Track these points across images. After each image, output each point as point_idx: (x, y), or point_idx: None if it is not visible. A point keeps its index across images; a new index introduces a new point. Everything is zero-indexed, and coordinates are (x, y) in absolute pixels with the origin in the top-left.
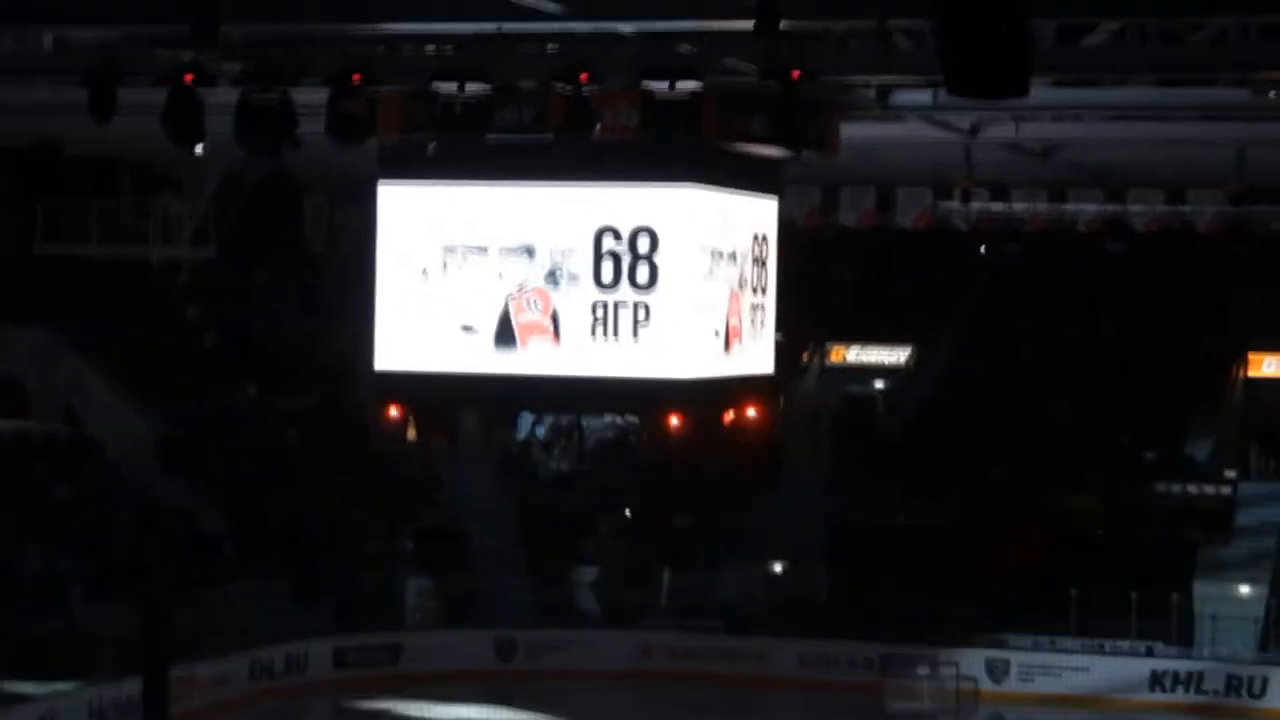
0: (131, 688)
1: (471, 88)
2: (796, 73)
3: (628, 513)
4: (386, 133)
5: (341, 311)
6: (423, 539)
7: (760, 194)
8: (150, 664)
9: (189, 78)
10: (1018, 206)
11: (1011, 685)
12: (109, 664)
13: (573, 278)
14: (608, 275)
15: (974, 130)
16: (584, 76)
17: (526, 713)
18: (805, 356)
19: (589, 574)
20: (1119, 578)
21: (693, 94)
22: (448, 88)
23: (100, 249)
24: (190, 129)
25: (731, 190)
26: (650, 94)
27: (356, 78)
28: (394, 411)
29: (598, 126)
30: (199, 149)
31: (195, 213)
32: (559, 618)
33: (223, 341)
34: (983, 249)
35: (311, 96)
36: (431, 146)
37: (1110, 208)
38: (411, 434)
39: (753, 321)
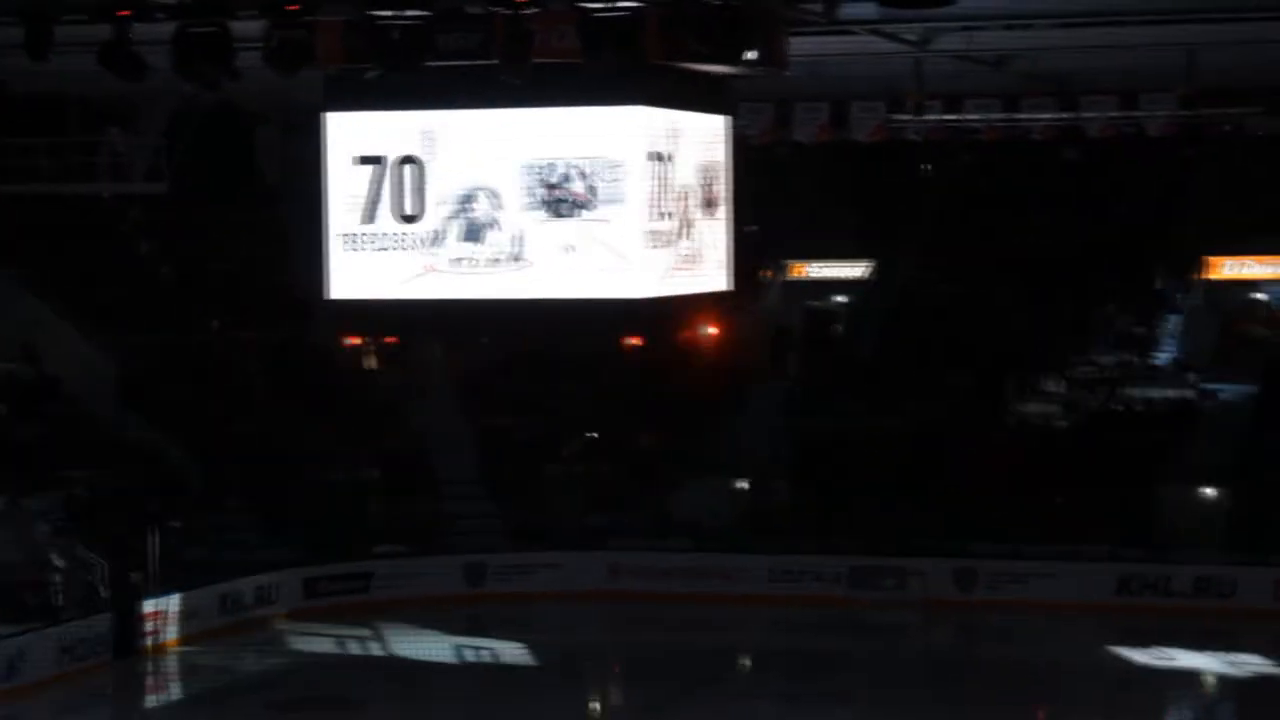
0: (100, 624)
1: (410, 13)
2: None
3: (594, 435)
4: (328, 62)
5: (297, 243)
6: (388, 466)
7: (709, 112)
8: (118, 600)
9: (125, 12)
10: (971, 117)
11: (979, 594)
12: (77, 602)
13: (522, 203)
14: (556, 198)
15: (924, 42)
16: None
17: None
18: (765, 274)
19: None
20: (1084, 484)
21: (631, 12)
22: (386, 14)
23: (51, 187)
24: (131, 64)
25: (679, 109)
26: (587, 14)
27: (293, 7)
28: (351, 341)
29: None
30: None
31: (146, 148)
32: (526, 541)
33: (180, 277)
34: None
35: (253, 28)
36: (372, 75)
37: (1064, 115)
38: (371, 363)
39: (708, 239)
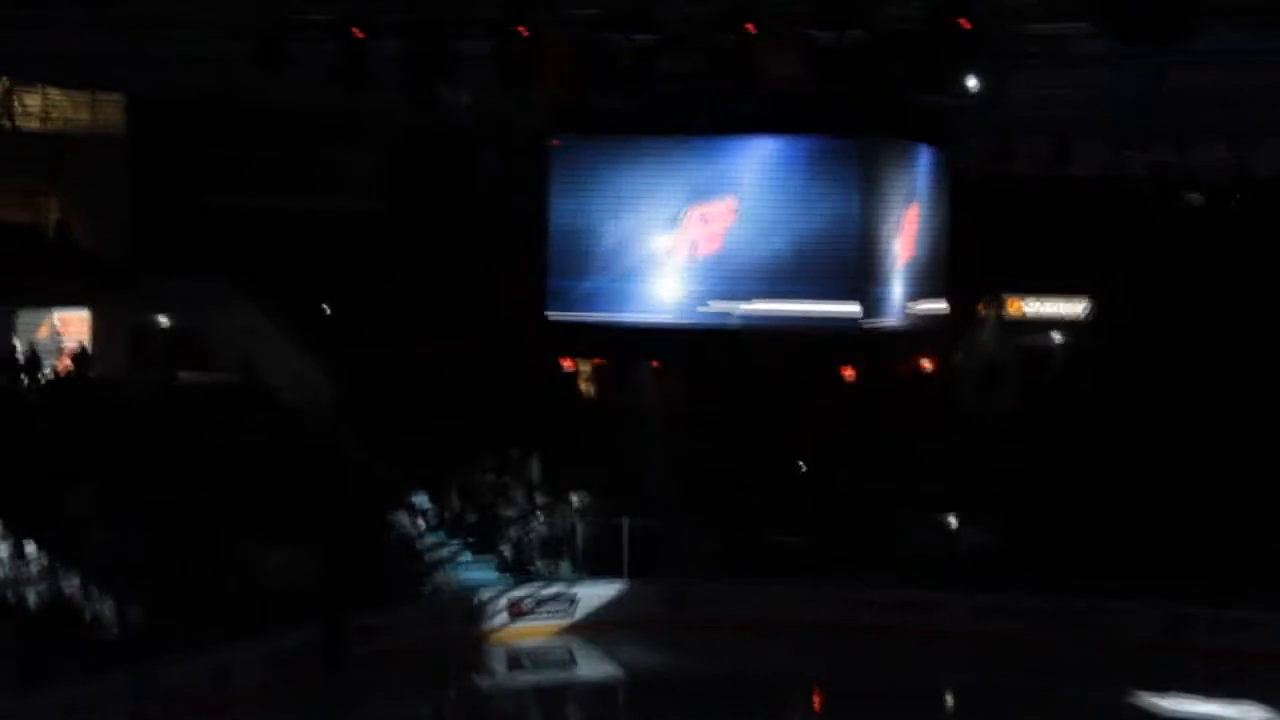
0: (310, 636)
1: (637, 36)
2: (965, 21)
3: (799, 464)
4: (554, 84)
5: (513, 263)
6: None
7: (932, 143)
8: (328, 612)
9: (357, 31)
10: (1198, 156)
11: (1191, 640)
12: (288, 613)
13: (741, 229)
14: (784, 222)
15: (1154, 77)
16: (749, 26)
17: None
18: (981, 308)
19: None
20: None
21: (860, 43)
22: (613, 36)
23: (272, 200)
24: (355, 80)
25: (901, 138)
26: (817, 43)
27: (523, 31)
28: (566, 364)
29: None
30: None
31: (366, 164)
32: (730, 569)
33: (396, 293)
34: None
35: (476, 48)
36: (599, 98)
37: None
38: (584, 386)
39: (926, 272)
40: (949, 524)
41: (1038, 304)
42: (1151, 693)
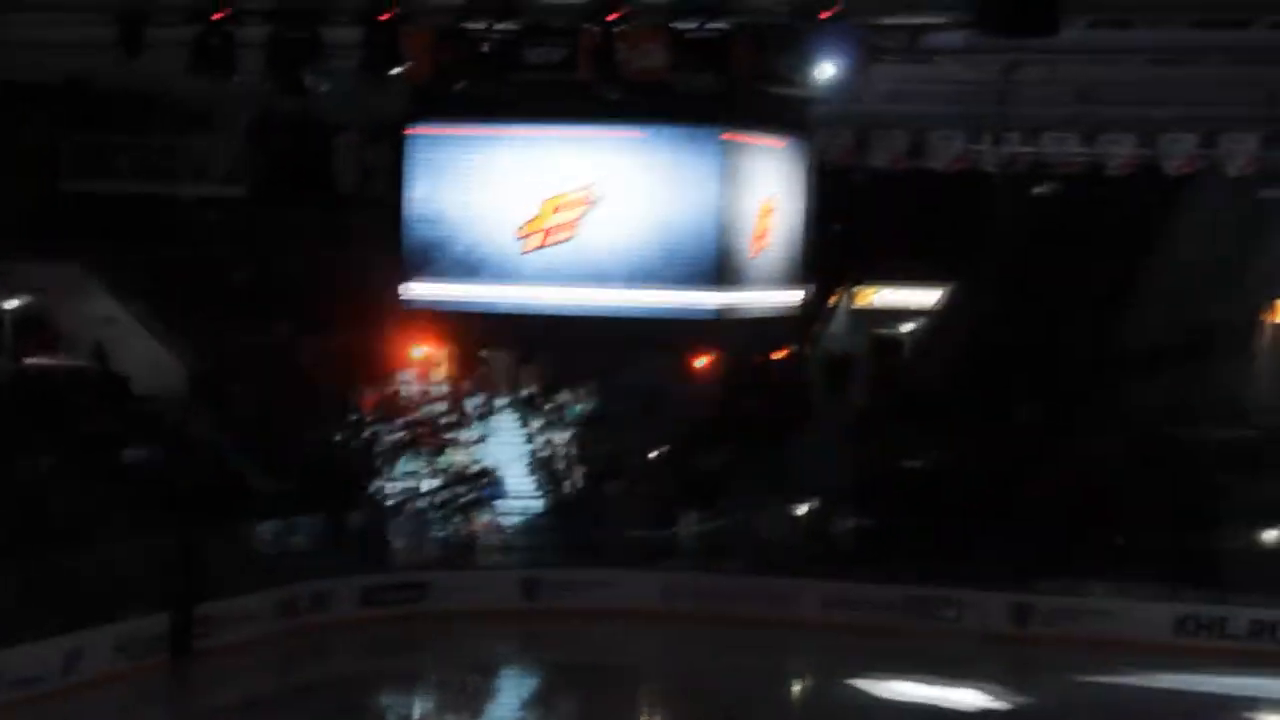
0: (158, 624)
1: (500, 26)
2: (826, 12)
3: (653, 455)
4: (417, 72)
5: (371, 250)
6: (450, 478)
7: (789, 136)
8: (176, 600)
9: (219, 15)
10: (1050, 149)
11: (1036, 629)
12: (136, 601)
13: (598, 218)
14: (636, 215)
15: (1008, 71)
16: (612, 15)
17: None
18: (832, 299)
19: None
20: (1145, 521)
21: (722, 33)
22: (476, 26)
23: (132, 186)
24: (220, 67)
25: (760, 130)
26: (679, 33)
27: (386, 16)
28: (423, 349)
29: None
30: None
31: (227, 150)
32: (584, 557)
33: (253, 279)
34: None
35: (340, 34)
36: (461, 86)
37: (1143, 150)
38: (441, 372)
39: (782, 262)
40: (803, 513)
41: (889, 294)
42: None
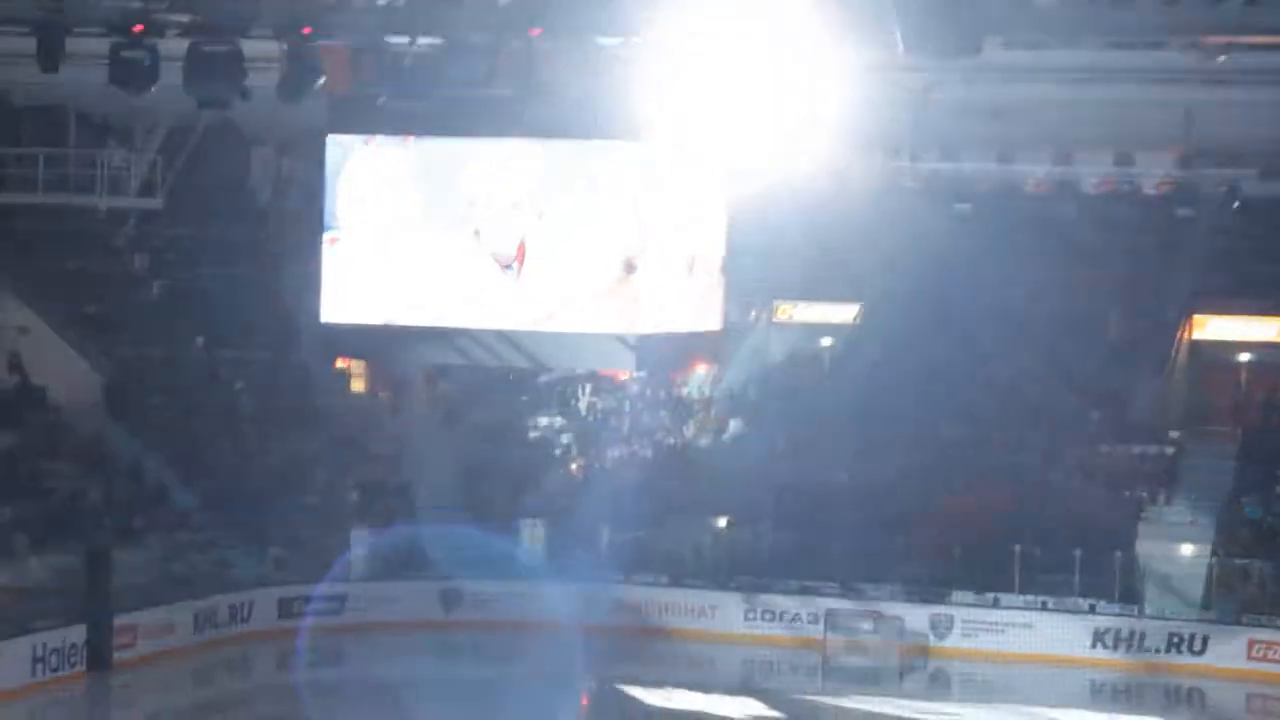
0: (75, 635)
1: (423, 41)
2: None
3: (574, 467)
4: (336, 86)
5: (288, 265)
6: (367, 491)
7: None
8: (93, 612)
9: (138, 27)
10: (967, 167)
11: (955, 641)
12: (53, 613)
13: (520, 235)
14: (552, 231)
15: (924, 91)
16: (537, 31)
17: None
18: (752, 315)
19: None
20: (1063, 536)
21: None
22: (398, 41)
23: (47, 198)
24: (139, 80)
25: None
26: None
27: (307, 30)
28: (340, 364)
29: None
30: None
31: (143, 163)
32: (502, 569)
33: (169, 292)
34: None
35: (260, 47)
36: (381, 100)
37: (1059, 169)
38: (358, 386)
39: (701, 278)
40: (719, 526)
41: (807, 309)
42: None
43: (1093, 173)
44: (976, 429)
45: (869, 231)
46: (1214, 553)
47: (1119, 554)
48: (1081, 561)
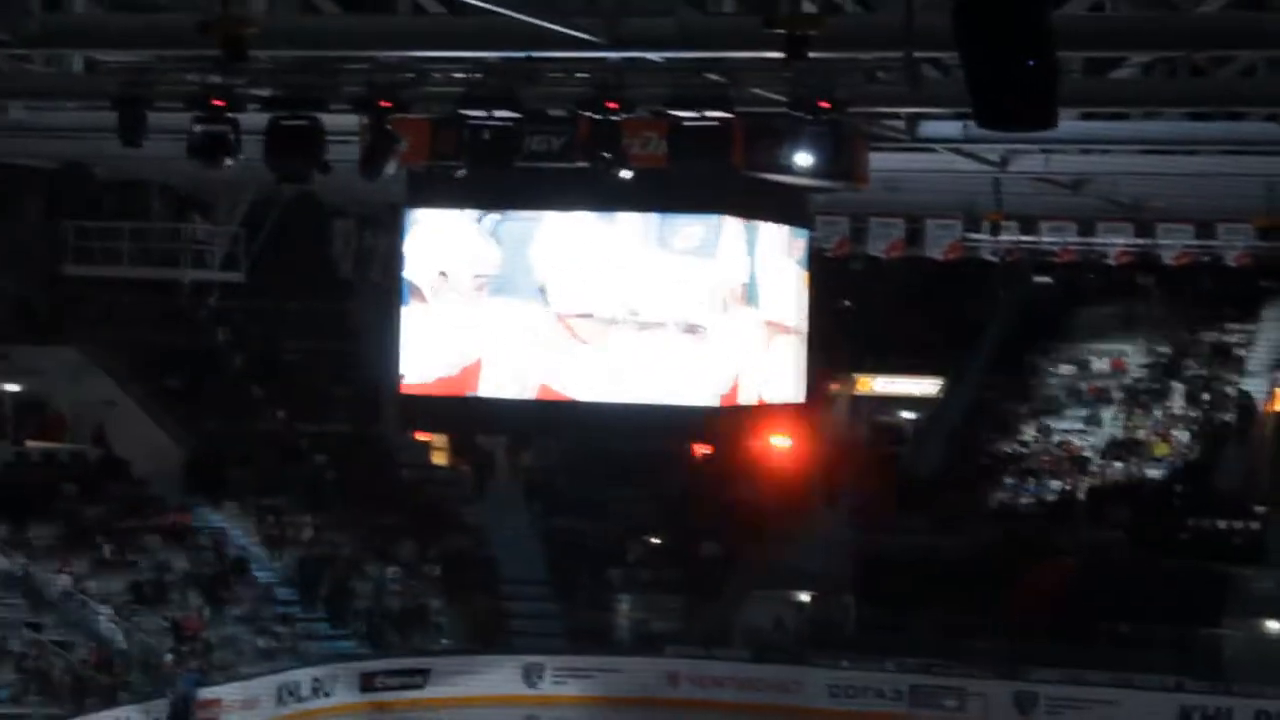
0: (158, 709)
1: (500, 114)
2: (824, 103)
3: (654, 540)
4: (414, 159)
5: (369, 336)
6: (450, 563)
7: (789, 224)
8: (175, 685)
9: (218, 102)
10: (1047, 239)
11: (1039, 718)
12: (136, 685)
13: (599, 304)
14: (636, 302)
15: (1003, 162)
16: (612, 104)
17: None
18: (834, 387)
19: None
20: (1148, 612)
21: (720, 123)
22: (476, 114)
23: (131, 271)
24: (218, 153)
25: (760, 220)
26: (677, 122)
27: (386, 104)
28: (420, 436)
29: (626, 155)
30: (226, 170)
31: (225, 236)
32: (586, 643)
33: (252, 364)
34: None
35: (340, 121)
36: (460, 173)
37: (1140, 241)
38: (439, 458)
39: (782, 350)
40: (805, 601)
41: (887, 382)
42: None
43: (1173, 244)
44: (1057, 500)
45: (950, 303)
46: None
47: (1205, 629)
48: (1167, 637)
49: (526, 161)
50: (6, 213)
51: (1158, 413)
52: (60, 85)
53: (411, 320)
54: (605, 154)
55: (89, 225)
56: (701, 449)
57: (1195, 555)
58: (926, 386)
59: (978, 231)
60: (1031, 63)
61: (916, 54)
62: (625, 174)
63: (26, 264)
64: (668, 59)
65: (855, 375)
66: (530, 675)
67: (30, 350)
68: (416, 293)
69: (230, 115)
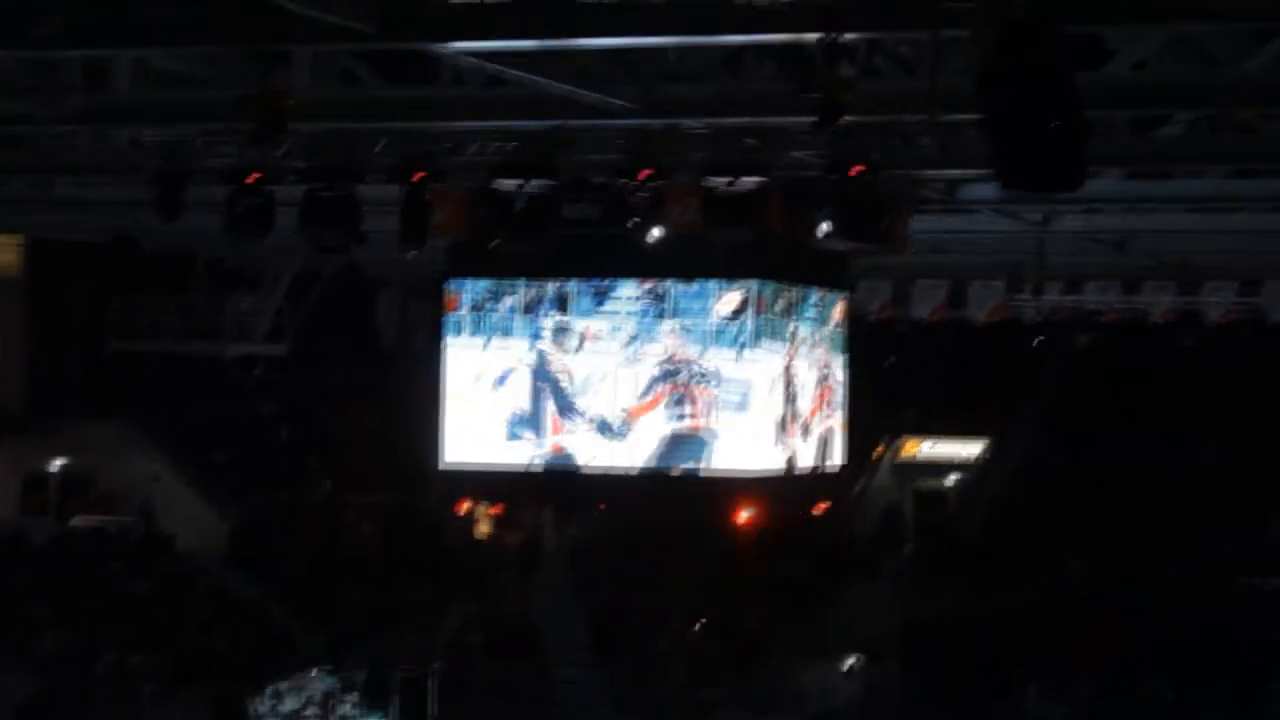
0: None
1: (536, 182)
2: (859, 167)
3: (702, 621)
4: (451, 229)
5: (414, 407)
6: (495, 634)
7: (829, 288)
8: None
9: (255, 175)
10: (1091, 298)
11: None
12: None
13: (636, 372)
14: (675, 371)
15: (1045, 222)
16: (648, 172)
17: None
18: (877, 451)
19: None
20: (1203, 672)
21: (756, 189)
22: (508, 184)
23: (176, 345)
24: (256, 226)
25: (800, 285)
26: (712, 189)
27: (420, 175)
28: (465, 506)
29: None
30: (267, 242)
31: (269, 309)
32: (633, 713)
33: (297, 437)
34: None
35: (382, 193)
36: (495, 243)
37: (1184, 299)
38: (483, 530)
39: (824, 416)
40: (853, 667)
41: (933, 446)
42: None
43: (1218, 301)
44: (1109, 564)
45: (994, 363)
46: None
47: (1265, 688)
48: (1226, 698)
49: (564, 229)
50: (55, 289)
51: None
52: (102, 160)
53: (453, 393)
54: (641, 220)
55: (135, 299)
56: (747, 516)
57: (1251, 613)
58: (972, 450)
59: (1021, 292)
60: (1054, 123)
61: (946, 117)
62: (655, 232)
63: (74, 340)
64: (703, 125)
65: (900, 440)
66: None
67: (76, 425)
68: (456, 366)
69: (268, 188)
